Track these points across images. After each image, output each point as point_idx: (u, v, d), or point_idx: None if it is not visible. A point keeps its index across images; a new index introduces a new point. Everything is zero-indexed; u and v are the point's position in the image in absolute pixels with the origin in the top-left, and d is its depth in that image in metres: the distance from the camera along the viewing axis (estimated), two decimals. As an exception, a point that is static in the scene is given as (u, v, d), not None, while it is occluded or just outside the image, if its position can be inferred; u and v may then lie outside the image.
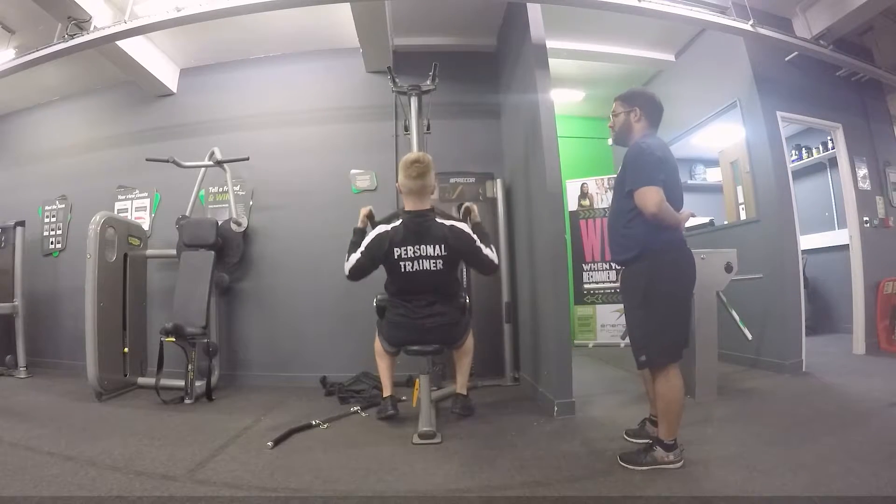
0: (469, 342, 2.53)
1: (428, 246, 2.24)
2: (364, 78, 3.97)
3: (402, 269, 2.26)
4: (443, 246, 2.25)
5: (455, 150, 3.77)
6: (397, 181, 2.39)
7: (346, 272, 2.40)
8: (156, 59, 3.98)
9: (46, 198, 4.41)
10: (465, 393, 2.53)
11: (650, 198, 1.72)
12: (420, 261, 2.24)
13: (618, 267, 2.02)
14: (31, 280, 4.18)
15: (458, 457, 2.01)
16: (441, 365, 3.09)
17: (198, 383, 3.11)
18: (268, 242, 3.84)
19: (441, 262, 2.26)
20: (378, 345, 2.54)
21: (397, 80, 3.05)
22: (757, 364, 3.40)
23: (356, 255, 2.34)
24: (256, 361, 3.72)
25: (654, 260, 1.81)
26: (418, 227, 2.27)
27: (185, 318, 3.14)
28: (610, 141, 2.18)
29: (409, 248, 2.24)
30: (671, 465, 1.76)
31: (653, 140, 1.87)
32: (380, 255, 2.29)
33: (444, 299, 2.36)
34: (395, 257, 2.25)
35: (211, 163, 3.67)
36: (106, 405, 3.01)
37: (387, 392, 2.51)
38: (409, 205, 2.33)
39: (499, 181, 3.59)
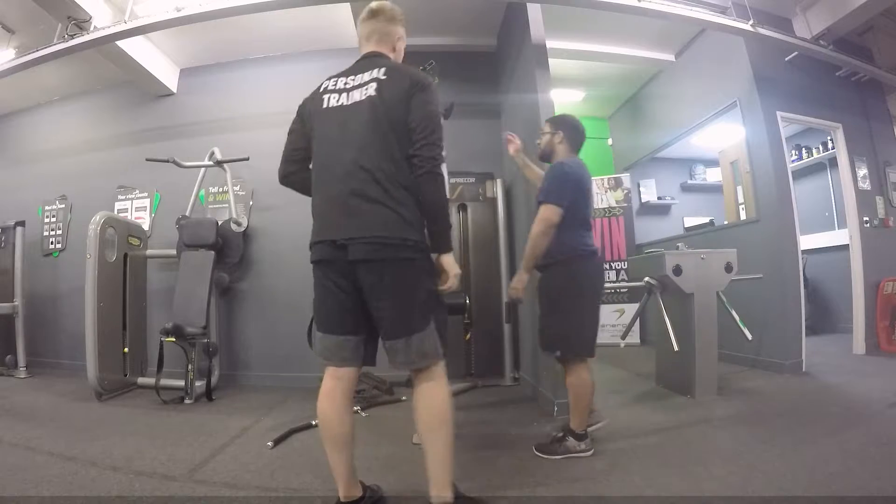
0: (440, 399, 1.41)
1: (364, 73, 1.50)
2: (364, 78, 3.96)
3: (324, 105, 1.51)
4: (383, 69, 1.48)
5: (455, 150, 3.74)
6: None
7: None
8: (156, 59, 3.98)
9: (46, 198, 4.41)
10: (448, 498, 1.41)
11: (548, 215, 1.91)
12: (350, 92, 1.48)
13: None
14: (31, 280, 4.18)
15: (458, 457, 2.00)
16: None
17: (198, 383, 3.12)
18: (268, 242, 3.84)
19: (376, 86, 1.44)
20: (318, 402, 1.45)
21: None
22: (757, 364, 3.40)
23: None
24: (256, 361, 3.72)
25: (567, 267, 1.98)
26: (359, 64, 1.58)
27: (185, 318, 3.14)
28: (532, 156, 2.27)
29: (339, 79, 1.55)
30: (582, 454, 1.93)
31: (573, 162, 2.07)
32: (309, 103, 1.62)
33: (376, 179, 1.37)
34: (321, 90, 1.56)
35: (211, 163, 3.67)
36: (106, 405, 3.01)
37: (342, 490, 1.45)
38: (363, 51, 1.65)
39: (499, 181, 3.59)
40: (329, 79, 1.58)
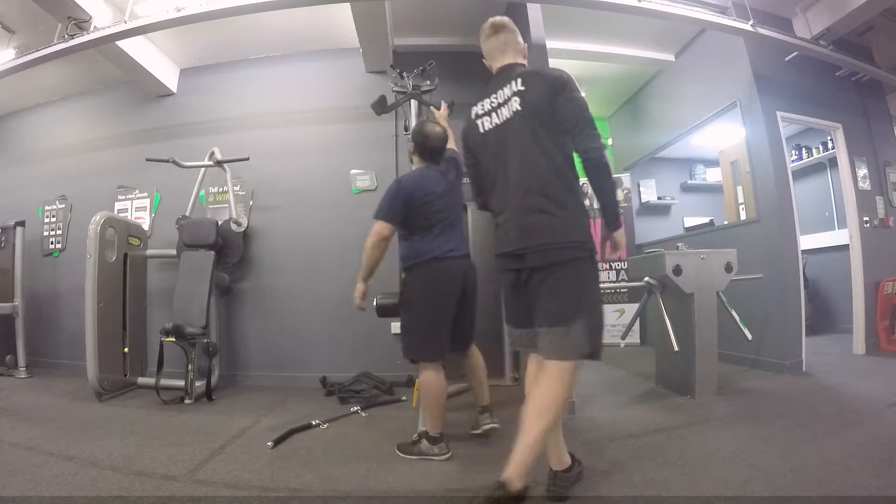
0: (556, 394, 1.49)
1: (504, 88, 1.59)
2: (364, 78, 3.97)
3: (481, 130, 1.65)
4: (519, 80, 1.56)
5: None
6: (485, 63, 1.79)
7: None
8: (156, 59, 3.98)
9: (46, 198, 4.41)
10: (516, 486, 1.40)
11: (378, 230, 2.06)
12: (497, 111, 1.60)
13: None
14: (31, 280, 4.18)
15: (458, 457, 2.01)
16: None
17: (198, 383, 3.12)
18: (268, 242, 3.84)
19: (519, 100, 1.53)
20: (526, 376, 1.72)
21: (403, 75, 3.02)
22: (757, 364, 3.39)
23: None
24: (256, 361, 3.72)
25: (409, 274, 2.16)
26: (498, 79, 1.67)
27: (185, 318, 3.15)
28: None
29: (485, 101, 1.66)
30: (436, 458, 1.98)
31: (411, 176, 2.17)
32: (466, 139, 1.76)
33: (541, 191, 1.50)
34: (473, 117, 1.69)
35: (211, 163, 3.67)
36: (106, 405, 3.01)
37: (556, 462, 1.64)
38: (495, 67, 1.73)
39: (499, 181, 3.58)
40: (476, 104, 1.69)
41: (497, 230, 1.64)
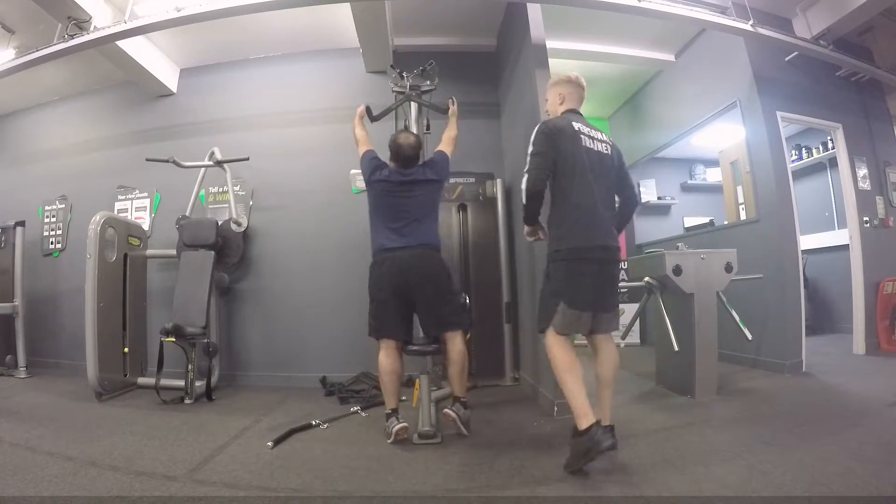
0: (617, 355, 2.10)
1: (597, 132, 2.08)
2: (364, 78, 3.97)
3: (585, 145, 1.99)
4: (605, 134, 2.11)
5: (455, 150, 3.77)
6: (557, 92, 2.15)
7: (528, 189, 1.98)
8: (156, 59, 3.98)
9: (46, 198, 4.41)
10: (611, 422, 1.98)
11: (362, 141, 2.67)
12: (596, 142, 2.04)
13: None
14: (31, 280, 4.18)
15: (458, 457, 2.01)
16: (441, 365, 3.08)
17: (198, 383, 3.12)
18: (268, 242, 3.84)
19: (611, 149, 2.08)
20: (554, 346, 1.94)
21: (403, 75, 3.02)
22: (757, 364, 3.40)
23: (536, 160, 1.97)
24: (256, 361, 3.72)
25: None
26: (581, 118, 2.11)
27: (185, 319, 3.15)
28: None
29: (583, 126, 2.04)
30: (391, 430, 2.20)
31: (383, 168, 2.54)
32: (559, 135, 1.97)
33: (612, 208, 2.10)
34: (576, 130, 2.00)
35: (211, 163, 3.67)
36: (106, 405, 3.01)
37: (583, 416, 1.81)
38: (569, 106, 2.13)
39: (499, 181, 3.59)
40: (575, 122, 2.02)
41: (578, 224, 1.94)
